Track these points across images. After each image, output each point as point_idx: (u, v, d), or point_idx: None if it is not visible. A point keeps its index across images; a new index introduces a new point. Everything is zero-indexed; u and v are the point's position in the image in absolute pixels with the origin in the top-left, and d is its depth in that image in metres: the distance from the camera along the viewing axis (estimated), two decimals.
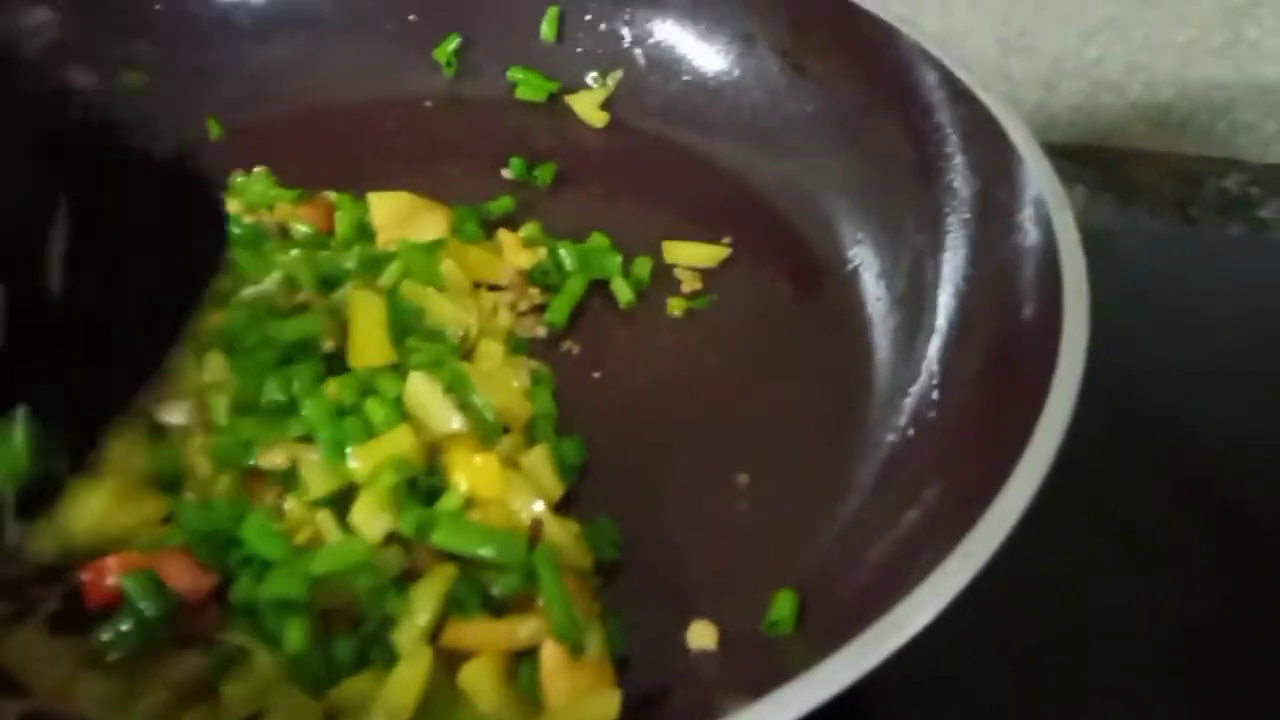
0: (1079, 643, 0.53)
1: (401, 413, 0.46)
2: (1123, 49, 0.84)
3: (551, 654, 0.41)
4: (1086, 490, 0.58)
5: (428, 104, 0.69)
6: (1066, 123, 0.88)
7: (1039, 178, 0.48)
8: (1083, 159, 0.88)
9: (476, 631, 0.42)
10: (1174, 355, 0.69)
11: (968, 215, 0.52)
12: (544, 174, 0.64)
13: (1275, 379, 0.68)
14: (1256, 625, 0.55)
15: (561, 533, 0.44)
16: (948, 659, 0.43)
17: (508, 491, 0.45)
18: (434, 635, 0.42)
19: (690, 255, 0.60)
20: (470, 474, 0.45)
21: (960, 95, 0.54)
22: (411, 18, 0.69)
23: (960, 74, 0.54)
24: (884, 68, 0.58)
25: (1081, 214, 0.80)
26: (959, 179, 0.53)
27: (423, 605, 0.42)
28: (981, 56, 0.85)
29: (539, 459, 0.47)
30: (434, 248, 0.55)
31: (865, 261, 0.57)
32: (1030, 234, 0.47)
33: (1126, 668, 0.52)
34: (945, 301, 0.51)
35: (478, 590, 0.42)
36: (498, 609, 0.43)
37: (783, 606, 0.42)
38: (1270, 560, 0.57)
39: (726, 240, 0.60)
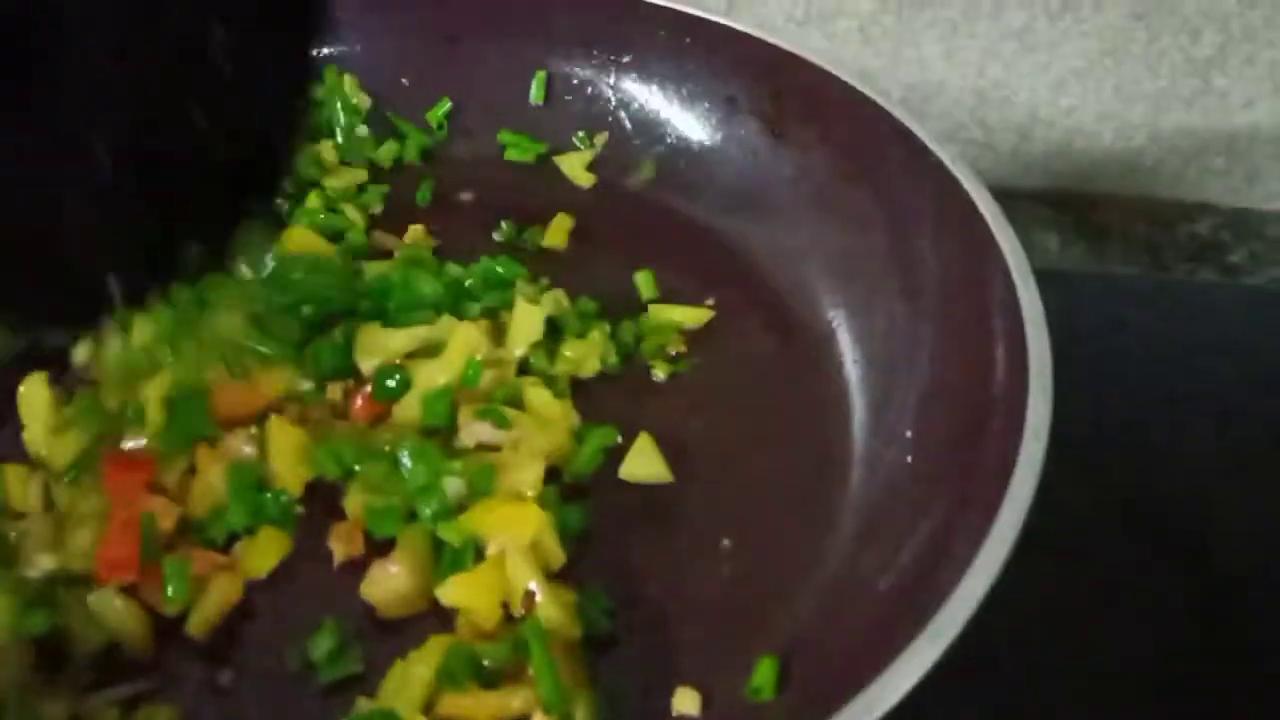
0: (1049, 679, 0.54)
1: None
2: (1095, 98, 0.86)
3: None
4: (1055, 531, 0.60)
5: (419, 165, 0.70)
6: (1041, 169, 0.90)
7: (1007, 251, 0.50)
8: (1057, 204, 0.90)
9: (469, 702, 0.43)
10: (1144, 399, 0.70)
11: (938, 284, 0.54)
12: (533, 236, 0.66)
13: (1244, 423, 0.70)
14: (1219, 658, 0.56)
15: (555, 604, 0.46)
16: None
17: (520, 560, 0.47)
18: (428, 707, 0.44)
19: (675, 319, 0.61)
20: (508, 526, 0.47)
21: (931, 168, 0.56)
22: (404, 81, 0.71)
23: (933, 146, 0.57)
24: (859, 137, 0.60)
25: (1055, 258, 0.84)
26: (929, 249, 0.55)
27: (418, 676, 0.43)
28: (958, 106, 0.87)
29: (544, 528, 0.49)
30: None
31: (842, 325, 0.59)
32: (997, 306, 0.49)
33: (1095, 701, 0.54)
34: (917, 367, 0.53)
35: (470, 662, 0.44)
36: (489, 680, 0.44)
37: (764, 673, 0.44)
38: (1235, 599, 0.59)
39: (709, 301, 0.62)
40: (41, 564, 0.46)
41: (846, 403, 0.56)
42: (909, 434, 0.51)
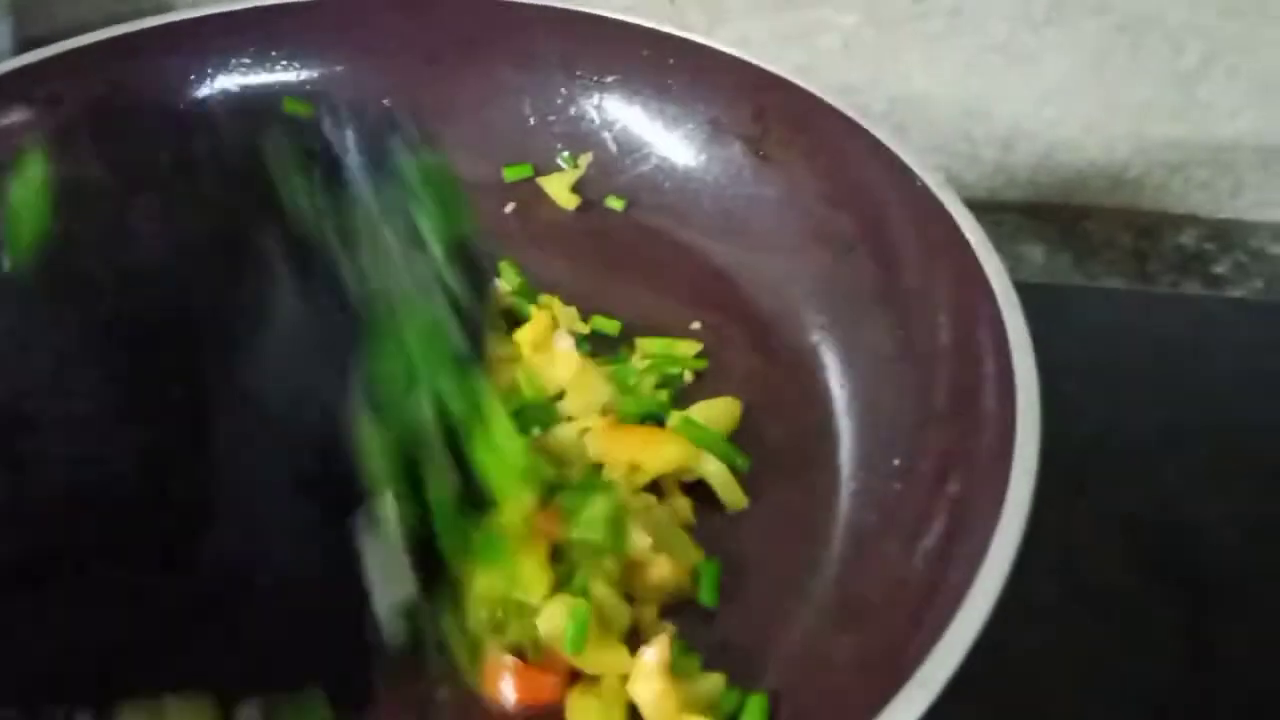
0: (1044, 708, 0.54)
1: None
2: (1079, 110, 0.86)
3: None
4: (1042, 553, 0.60)
5: None
6: (1025, 181, 0.90)
7: (992, 276, 0.50)
8: (1042, 216, 0.90)
9: None
10: (1129, 412, 0.70)
11: (923, 310, 0.54)
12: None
13: (1231, 435, 0.70)
14: (1207, 672, 0.56)
15: None
16: None
17: None
18: None
19: (662, 349, 0.61)
20: None
21: (916, 191, 0.55)
22: (385, 102, 0.70)
23: (918, 169, 0.56)
24: (843, 160, 0.60)
25: (1041, 270, 0.83)
26: (915, 274, 0.55)
27: None
28: (941, 119, 0.87)
29: None
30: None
31: (828, 350, 0.59)
32: (983, 332, 0.49)
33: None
34: (903, 394, 0.53)
35: None
36: None
37: (752, 713, 0.44)
38: (1227, 622, 0.59)
39: (695, 325, 0.62)
40: None
41: (833, 429, 0.56)
42: (896, 462, 0.51)
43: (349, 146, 0.39)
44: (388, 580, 0.35)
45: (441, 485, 0.37)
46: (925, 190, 0.55)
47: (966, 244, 0.52)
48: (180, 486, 0.34)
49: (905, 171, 0.56)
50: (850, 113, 0.60)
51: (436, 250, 0.39)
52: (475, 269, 0.40)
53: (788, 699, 0.44)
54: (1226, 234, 0.89)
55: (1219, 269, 0.86)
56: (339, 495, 0.35)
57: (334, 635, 0.36)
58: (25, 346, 0.34)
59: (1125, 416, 0.70)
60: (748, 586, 0.50)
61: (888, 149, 0.57)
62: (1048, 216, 0.90)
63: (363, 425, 0.35)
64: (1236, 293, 0.84)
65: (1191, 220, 0.90)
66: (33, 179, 0.37)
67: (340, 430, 0.35)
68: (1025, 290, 0.82)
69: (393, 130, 0.40)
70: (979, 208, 0.89)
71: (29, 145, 0.37)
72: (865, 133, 0.59)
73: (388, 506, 0.35)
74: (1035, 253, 0.87)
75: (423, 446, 0.37)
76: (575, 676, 0.45)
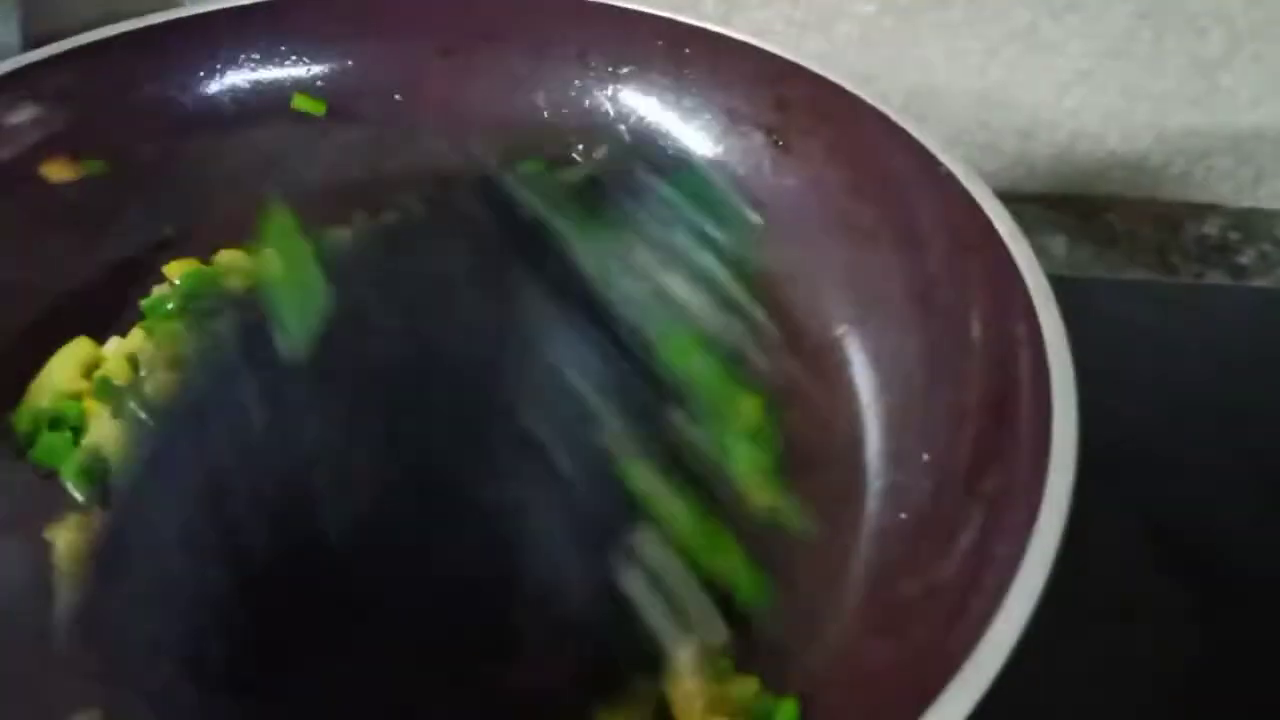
0: (1056, 701, 0.53)
1: None
2: (1099, 99, 0.85)
3: None
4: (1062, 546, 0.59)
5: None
6: (1046, 171, 0.89)
7: (1024, 267, 0.49)
8: (1062, 207, 0.89)
9: None
10: (1152, 404, 0.69)
11: (952, 302, 0.52)
12: None
13: (1254, 426, 0.68)
14: (1232, 673, 0.55)
15: None
16: None
17: None
18: None
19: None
20: None
21: (942, 180, 0.54)
22: (397, 97, 0.69)
23: (944, 158, 0.55)
24: (866, 149, 0.59)
25: (1062, 261, 0.82)
26: (943, 265, 0.54)
27: None
28: (960, 109, 0.86)
29: None
30: None
31: (854, 344, 0.58)
32: (1016, 325, 0.47)
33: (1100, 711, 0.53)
34: (933, 388, 0.52)
35: None
36: None
37: (785, 717, 0.43)
38: (1243, 611, 0.58)
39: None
40: None
41: (860, 426, 0.54)
42: (926, 458, 0.50)
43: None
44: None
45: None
46: (952, 179, 0.54)
47: (996, 234, 0.51)
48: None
49: (932, 161, 0.55)
50: (873, 101, 0.59)
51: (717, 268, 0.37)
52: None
53: (820, 703, 0.43)
54: (1250, 223, 0.88)
55: (1243, 259, 0.85)
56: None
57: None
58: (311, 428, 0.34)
59: (1147, 411, 0.69)
60: (778, 588, 0.49)
61: (912, 137, 0.56)
62: (1069, 207, 0.89)
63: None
64: (1261, 282, 0.83)
65: (1214, 210, 0.89)
66: (293, 248, 0.36)
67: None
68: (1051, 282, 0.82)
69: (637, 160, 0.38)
70: (1000, 198, 0.89)
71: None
72: (889, 121, 0.58)
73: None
74: (1057, 244, 0.86)
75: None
76: None
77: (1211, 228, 0.88)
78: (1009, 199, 0.88)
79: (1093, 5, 0.80)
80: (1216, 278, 0.84)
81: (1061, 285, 0.81)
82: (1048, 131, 0.87)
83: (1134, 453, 0.66)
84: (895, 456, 0.52)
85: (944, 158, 0.55)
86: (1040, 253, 0.83)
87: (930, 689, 0.35)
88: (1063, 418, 0.43)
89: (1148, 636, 0.56)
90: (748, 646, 0.46)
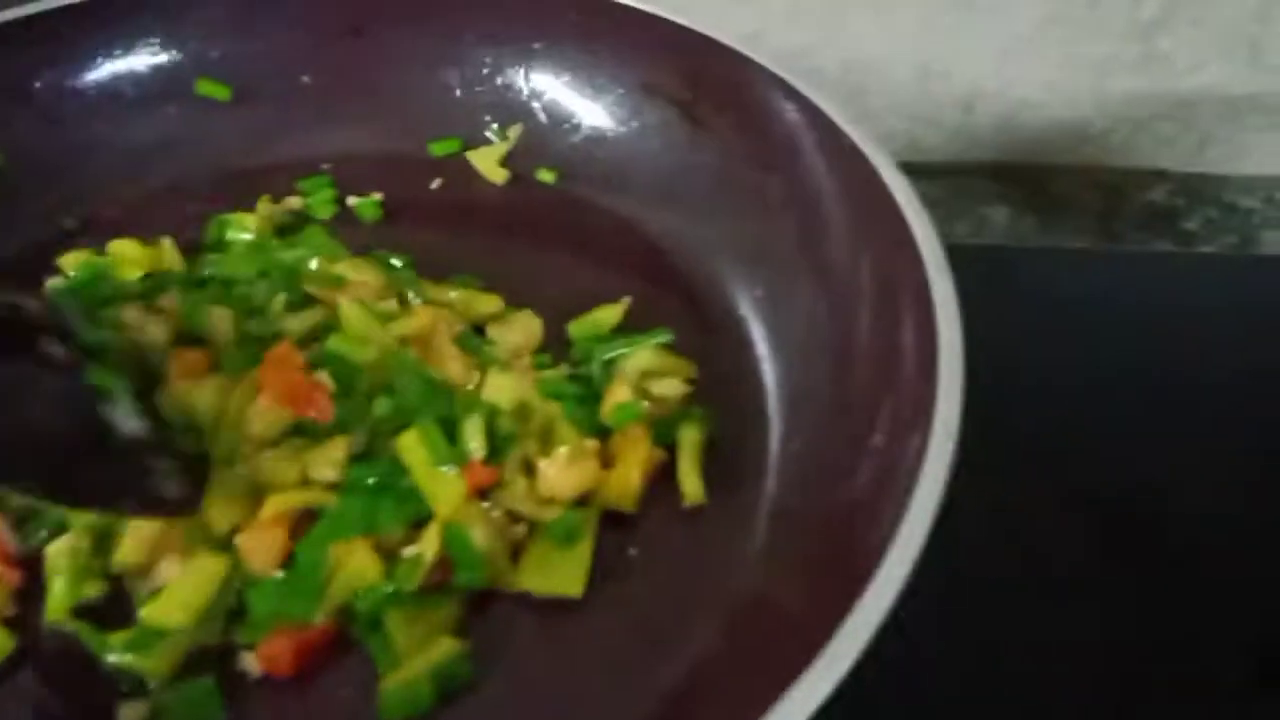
0: (1001, 684, 0.52)
1: None
2: (1039, 67, 0.83)
3: None
4: (1003, 521, 0.58)
5: (325, 166, 0.67)
6: (988, 142, 0.88)
7: (920, 240, 0.47)
8: (1006, 177, 0.88)
9: None
10: (1098, 379, 0.68)
11: (849, 277, 0.51)
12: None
13: (1203, 403, 0.67)
14: (1178, 647, 0.54)
15: None
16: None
17: None
18: None
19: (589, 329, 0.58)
20: None
21: (845, 151, 0.53)
22: (305, 79, 0.68)
23: (847, 129, 0.54)
24: (775, 124, 0.57)
25: (1006, 232, 0.81)
26: (842, 239, 0.52)
27: None
28: (898, 81, 0.85)
29: None
30: None
31: (758, 321, 0.56)
32: (908, 302, 0.46)
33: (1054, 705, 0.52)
34: (830, 367, 0.51)
35: None
36: None
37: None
38: (1186, 583, 0.57)
39: (626, 299, 0.59)
40: None
41: (764, 405, 0.53)
42: (822, 437, 0.49)
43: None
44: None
45: None
46: (855, 150, 0.52)
47: (896, 207, 0.49)
48: None
49: (835, 133, 0.53)
50: (781, 73, 0.57)
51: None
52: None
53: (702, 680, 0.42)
54: (1196, 189, 0.87)
55: (1189, 225, 0.84)
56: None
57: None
58: None
59: (1093, 382, 0.68)
60: (668, 567, 0.48)
61: (819, 109, 0.55)
62: (1012, 177, 0.88)
63: None
64: (1207, 249, 0.82)
65: (1160, 176, 0.88)
66: None
67: None
68: (990, 252, 0.81)
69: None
70: (942, 170, 0.88)
71: None
72: (798, 94, 0.56)
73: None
74: (1000, 214, 0.85)
75: None
76: None
77: (1157, 194, 0.87)
78: (952, 170, 0.88)
79: None
80: (1163, 245, 0.82)
81: (1004, 255, 0.80)
82: (988, 102, 0.85)
83: (1078, 423, 0.65)
84: (795, 434, 0.51)
85: (848, 128, 0.53)
86: (983, 223, 0.82)
87: (801, 664, 0.34)
88: (949, 394, 0.41)
89: (1094, 616, 0.55)
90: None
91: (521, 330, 0.56)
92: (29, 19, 0.62)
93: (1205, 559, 0.58)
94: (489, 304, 0.58)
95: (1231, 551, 0.58)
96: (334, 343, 0.50)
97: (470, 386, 0.52)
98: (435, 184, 0.66)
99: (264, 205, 0.63)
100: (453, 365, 0.52)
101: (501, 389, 0.51)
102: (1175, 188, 0.87)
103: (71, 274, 0.58)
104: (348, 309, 0.52)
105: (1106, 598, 0.56)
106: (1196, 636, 0.55)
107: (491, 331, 0.56)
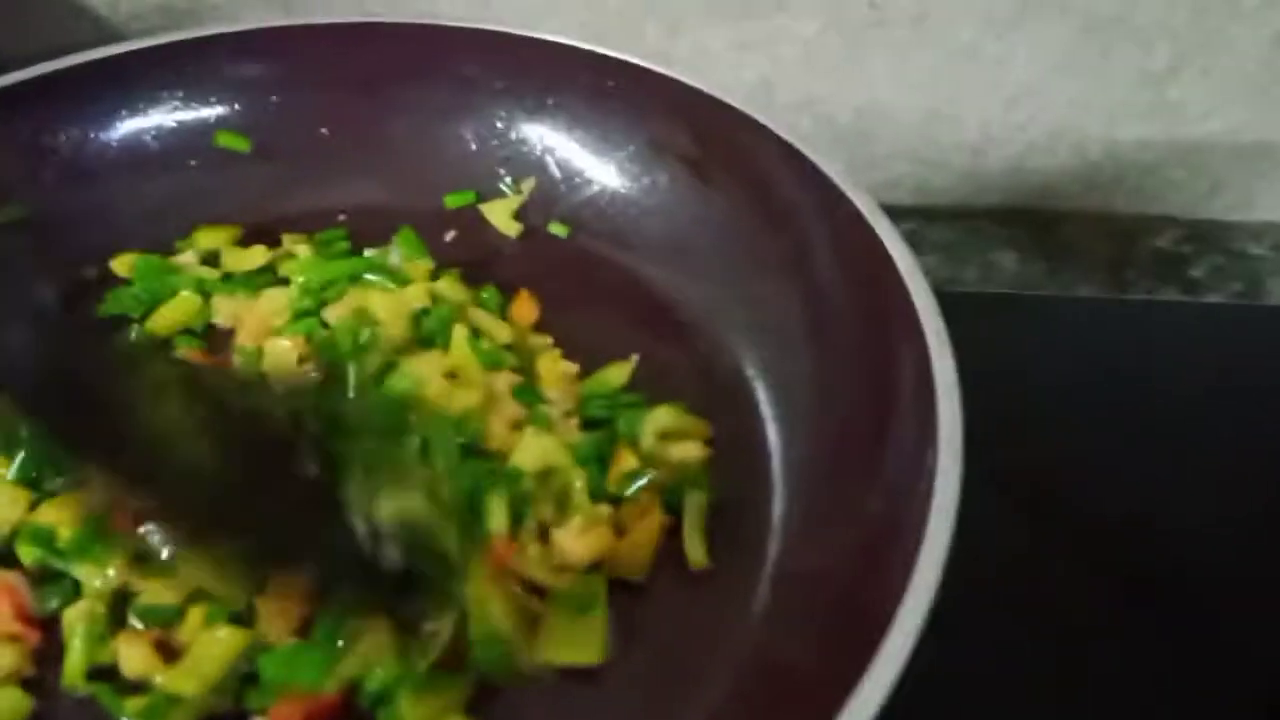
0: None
1: None
2: (1048, 114, 0.84)
3: None
4: (1008, 567, 0.58)
5: (341, 217, 0.68)
6: (997, 187, 0.88)
7: (925, 316, 0.48)
8: (1014, 222, 0.88)
9: None
10: (1103, 428, 0.69)
11: (848, 337, 0.52)
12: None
13: (1206, 451, 0.68)
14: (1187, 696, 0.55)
15: None
16: None
17: None
18: None
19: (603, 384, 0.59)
20: None
21: (846, 215, 0.54)
22: (323, 131, 0.69)
23: (847, 190, 0.55)
24: (778, 185, 0.59)
25: (1014, 277, 0.82)
26: (842, 299, 0.54)
27: None
28: (908, 126, 0.85)
29: None
30: None
31: (762, 382, 0.57)
32: (908, 368, 0.47)
33: None
34: (831, 429, 0.52)
35: None
36: None
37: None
38: (1198, 632, 0.57)
39: (634, 357, 0.60)
40: None
41: (768, 467, 0.54)
42: (825, 501, 0.50)
43: None
44: None
45: None
46: (856, 214, 0.53)
47: (902, 283, 0.50)
48: None
49: (836, 195, 0.55)
50: (785, 134, 0.58)
51: None
52: None
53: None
54: (1204, 235, 0.87)
55: (1196, 272, 0.84)
56: None
57: None
58: None
59: (1099, 431, 0.68)
60: (673, 632, 0.49)
61: (819, 170, 0.56)
62: (1021, 223, 0.88)
63: None
64: (1214, 298, 0.82)
65: (1169, 222, 0.88)
66: None
67: None
68: (997, 300, 0.81)
69: None
70: (950, 215, 0.88)
71: None
72: (799, 154, 0.57)
73: None
74: (1008, 259, 0.85)
75: None
76: None
77: (1165, 241, 0.87)
78: (960, 215, 0.89)
79: (1037, 21, 0.79)
80: (1169, 294, 0.83)
81: (1011, 303, 0.81)
82: (997, 147, 0.86)
83: (1082, 471, 0.66)
84: (799, 496, 0.52)
85: (848, 189, 0.54)
86: (991, 269, 0.83)
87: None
88: (948, 464, 0.42)
89: (1114, 657, 0.56)
90: None
91: (567, 385, 0.57)
92: (52, 75, 0.63)
93: (1213, 603, 0.59)
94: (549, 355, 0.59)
95: (1240, 596, 0.59)
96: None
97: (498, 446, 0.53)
98: (449, 236, 0.67)
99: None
100: (499, 421, 0.54)
101: (533, 451, 0.52)
102: (1184, 234, 0.87)
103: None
104: (459, 338, 0.55)
105: (1120, 648, 0.57)
106: (1212, 691, 0.55)
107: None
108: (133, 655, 0.45)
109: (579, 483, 0.51)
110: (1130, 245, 0.87)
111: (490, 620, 0.45)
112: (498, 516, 0.49)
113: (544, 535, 0.50)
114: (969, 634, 0.48)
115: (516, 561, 0.48)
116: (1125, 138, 0.85)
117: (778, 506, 0.53)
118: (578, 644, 0.47)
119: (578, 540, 0.49)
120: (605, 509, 0.51)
